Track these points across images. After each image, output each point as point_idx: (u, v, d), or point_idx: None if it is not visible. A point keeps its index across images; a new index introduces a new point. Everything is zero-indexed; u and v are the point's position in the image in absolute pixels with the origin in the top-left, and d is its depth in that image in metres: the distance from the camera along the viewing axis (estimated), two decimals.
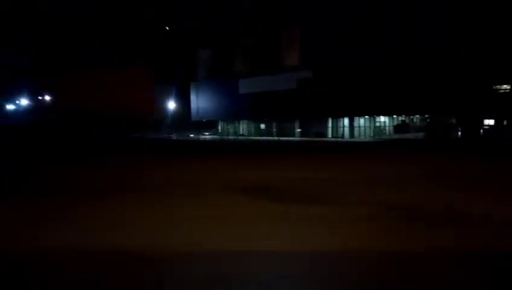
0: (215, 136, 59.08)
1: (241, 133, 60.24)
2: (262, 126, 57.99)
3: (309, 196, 10.30)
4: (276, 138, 50.72)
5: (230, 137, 57.04)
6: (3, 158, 21.14)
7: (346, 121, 49.68)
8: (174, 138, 53.67)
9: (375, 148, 32.66)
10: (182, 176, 14.23)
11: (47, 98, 55.97)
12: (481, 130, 52.79)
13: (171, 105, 66.95)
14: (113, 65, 50.74)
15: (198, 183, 12.28)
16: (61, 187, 11.95)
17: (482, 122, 53.79)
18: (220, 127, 63.06)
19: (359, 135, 49.22)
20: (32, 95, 55.13)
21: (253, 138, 54.29)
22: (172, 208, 8.79)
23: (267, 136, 55.89)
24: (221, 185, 11.68)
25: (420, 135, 48.91)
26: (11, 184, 12.60)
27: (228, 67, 54.07)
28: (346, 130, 49.46)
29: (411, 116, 53.01)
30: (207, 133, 64.36)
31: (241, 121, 60.56)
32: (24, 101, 56.10)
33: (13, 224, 7.62)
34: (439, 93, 46.77)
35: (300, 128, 53.54)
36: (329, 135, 50.36)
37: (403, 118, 52.27)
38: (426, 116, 54.42)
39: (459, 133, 53.32)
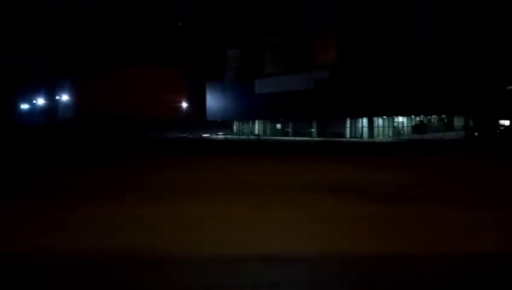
0: (229, 136, 59.13)
1: (256, 133, 60.33)
2: (278, 126, 58.09)
3: (401, 196, 10.36)
4: (294, 138, 50.73)
5: (247, 137, 57.08)
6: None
7: (364, 121, 49.77)
8: (196, 137, 53.72)
9: (409, 148, 32.53)
10: (264, 176, 13.86)
11: (64, 98, 56.01)
12: (497, 130, 53.23)
13: (185, 104, 67.03)
14: (138, 64, 50.50)
15: (286, 183, 12.03)
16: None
17: (498, 122, 54.26)
18: (234, 127, 63.17)
19: (378, 135, 49.34)
20: (50, 94, 55.18)
21: (271, 137, 54.32)
22: (297, 209, 8.71)
23: (282, 136, 55.99)
24: (307, 185, 11.69)
25: (439, 135, 49.07)
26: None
27: (256, 68, 53.90)
28: (365, 130, 49.54)
29: (428, 117, 53.14)
30: (221, 133, 64.42)
31: (256, 121, 60.69)
32: (40, 101, 56.14)
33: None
34: (456, 93, 47.02)
35: (317, 128, 53.63)
36: (348, 135, 50.47)
37: (421, 118, 52.38)
38: (443, 116, 54.74)
39: (476, 133, 53.71)
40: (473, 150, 27.55)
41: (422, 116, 51.91)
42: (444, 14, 49.46)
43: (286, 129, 57.01)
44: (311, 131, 54.09)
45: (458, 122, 56.36)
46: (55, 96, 55.83)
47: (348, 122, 50.80)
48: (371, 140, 46.84)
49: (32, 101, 55.73)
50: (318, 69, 49.86)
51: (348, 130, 50.85)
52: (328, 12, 51.06)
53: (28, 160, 20.19)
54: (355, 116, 49.73)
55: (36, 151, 25.86)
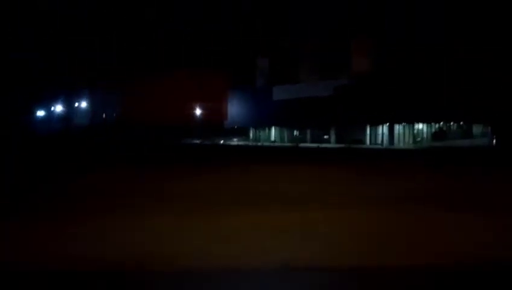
0: (245, 142, 59.20)
1: (273, 139, 60.38)
2: (296, 133, 58.17)
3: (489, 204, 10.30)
4: (315, 145, 50.68)
5: (266, 143, 57.10)
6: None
7: (385, 128, 49.83)
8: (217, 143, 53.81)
9: (444, 156, 32.30)
10: (345, 187, 13.85)
11: (83, 104, 56.17)
12: None
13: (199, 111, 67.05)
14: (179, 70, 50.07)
15: (367, 194, 12.00)
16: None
17: None
18: (251, 134, 63.25)
19: (398, 142, 49.39)
20: (68, 101, 55.30)
21: (289, 144, 54.30)
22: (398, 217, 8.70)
23: (299, 142, 55.98)
24: (393, 196, 11.62)
25: (458, 142, 49.06)
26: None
27: (287, 75, 53.83)
28: (386, 137, 49.60)
29: (447, 124, 53.23)
30: (235, 139, 64.48)
31: (272, 128, 60.78)
32: (59, 108, 56.27)
33: None
34: (476, 100, 47.14)
35: (335, 135, 53.69)
36: (367, 142, 50.52)
37: (440, 125, 52.46)
38: (461, 123, 54.82)
39: (494, 141, 53.72)
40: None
41: (441, 123, 52.02)
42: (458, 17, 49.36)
43: (304, 136, 56.96)
44: (329, 138, 54.14)
45: (476, 129, 56.44)
46: (73, 103, 55.97)
47: (368, 129, 50.84)
48: (392, 147, 46.87)
49: (50, 108, 55.84)
50: (351, 74, 49.71)
51: (367, 137, 50.89)
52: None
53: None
54: (376, 123, 49.79)
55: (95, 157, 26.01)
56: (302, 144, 52.42)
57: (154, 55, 52.54)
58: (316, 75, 50.79)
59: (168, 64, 50.81)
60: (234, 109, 60.84)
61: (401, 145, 48.14)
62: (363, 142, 50.44)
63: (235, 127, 63.07)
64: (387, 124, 49.40)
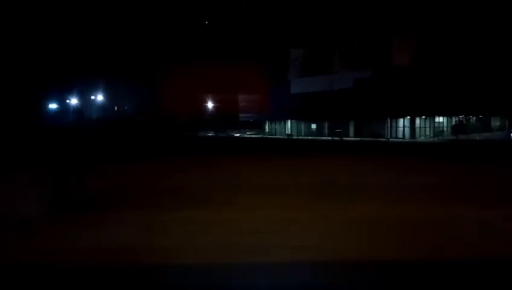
0: (260, 135, 58.99)
1: (289, 132, 60.14)
2: (314, 126, 57.93)
3: None
4: (335, 138, 50.51)
5: (281, 136, 56.91)
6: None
7: (406, 121, 49.67)
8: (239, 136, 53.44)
9: (476, 149, 32.18)
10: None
11: (99, 98, 55.60)
12: None
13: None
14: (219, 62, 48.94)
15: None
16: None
17: None
18: (266, 127, 63.00)
19: (419, 136, 49.29)
20: (83, 94, 54.67)
21: (307, 137, 54.15)
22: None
23: (316, 136, 55.82)
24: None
25: (477, 135, 49.11)
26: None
27: (322, 66, 53.14)
28: (407, 130, 49.46)
29: (467, 117, 53.24)
30: (249, 132, 64.26)
31: (288, 121, 60.52)
32: (74, 101, 55.66)
33: None
34: (495, 93, 47.15)
35: (354, 128, 53.49)
36: (388, 136, 50.34)
37: (460, 119, 52.44)
38: (480, 116, 54.87)
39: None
40: None
41: (461, 116, 52.00)
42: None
43: (322, 129, 56.74)
44: (341, 131, 53.86)
45: (494, 122, 56.59)
46: (89, 96, 55.38)
47: (389, 122, 50.66)
48: (413, 140, 46.75)
49: (65, 101, 55.21)
50: (395, 67, 49.33)
51: (388, 130, 50.71)
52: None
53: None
54: (397, 116, 49.60)
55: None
56: (322, 137, 52.35)
57: (185, 48, 51.70)
58: (351, 67, 50.05)
59: (198, 57, 49.81)
60: None
61: (422, 139, 48.06)
62: (382, 135, 50.26)
63: (251, 120, 62.81)
64: (408, 117, 49.22)
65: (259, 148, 34.03)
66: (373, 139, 47.92)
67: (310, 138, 53.58)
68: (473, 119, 53.91)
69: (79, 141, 33.35)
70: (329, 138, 50.03)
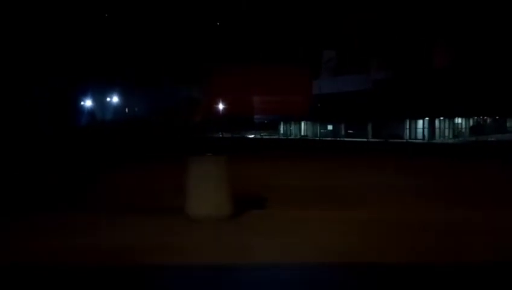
0: (274, 136, 58.87)
1: (304, 134, 60.11)
2: (330, 127, 57.88)
3: None
4: (353, 139, 50.51)
5: (294, 137, 56.81)
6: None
7: (425, 122, 49.77)
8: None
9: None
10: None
11: (115, 99, 55.22)
12: None
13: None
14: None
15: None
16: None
17: None
18: (281, 128, 62.90)
19: (439, 137, 49.41)
20: (99, 96, 54.26)
21: (325, 139, 54.02)
22: None
23: (332, 137, 55.71)
24: None
25: (494, 136, 49.31)
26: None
27: (355, 67, 52.92)
28: (426, 131, 49.55)
29: (484, 118, 53.49)
30: (263, 133, 64.07)
31: (304, 122, 60.48)
32: (88, 102, 55.21)
33: None
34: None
35: (372, 129, 53.48)
36: (407, 137, 50.40)
37: (478, 120, 52.67)
38: (497, 117, 55.12)
39: None
40: None
41: (479, 117, 52.23)
42: None
43: (338, 131, 56.69)
44: (353, 133, 53.84)
45: (510, 123, 56.88)
46: (105, 97, 54.99)
47: (408, 123, 50.73)
48: (434, 141, 46.86)
49: (80, 102, 54.75)
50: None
51: (407, 131, 50.78)
52: None
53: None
54: (416, 117, 49.68)
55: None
56: (336, 138, 52.20)
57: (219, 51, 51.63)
58: (386, 70, 49.83)
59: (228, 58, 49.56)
60: None
61: (441, 140, 48.19)
62: (400, 136, 50.30)
63: (265, 121, 62.62)
64: (427, 118, 49.31)
65: (299, 148, 33.98)
66: (395, 140, 47.96)
67: (331, 139, 52.93)
68: (490, 120, 54.18)
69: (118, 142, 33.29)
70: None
